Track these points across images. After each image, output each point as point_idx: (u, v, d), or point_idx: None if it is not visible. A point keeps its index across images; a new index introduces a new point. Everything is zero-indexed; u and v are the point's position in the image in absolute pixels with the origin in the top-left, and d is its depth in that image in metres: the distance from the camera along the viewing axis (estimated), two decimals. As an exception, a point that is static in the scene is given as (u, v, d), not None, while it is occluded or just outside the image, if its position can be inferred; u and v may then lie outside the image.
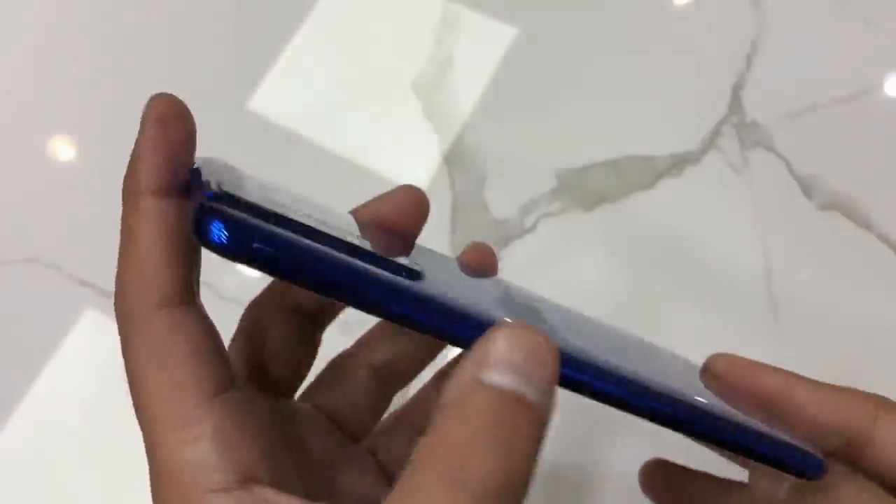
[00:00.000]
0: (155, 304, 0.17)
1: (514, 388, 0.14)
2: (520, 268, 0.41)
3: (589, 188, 0.43)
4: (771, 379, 0.20)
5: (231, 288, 0.40)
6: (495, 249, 0.23)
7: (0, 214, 0.46)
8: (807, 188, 0.41)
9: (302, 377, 0.22)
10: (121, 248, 0.17)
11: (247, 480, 0.16)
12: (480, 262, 0.22)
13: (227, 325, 0.20)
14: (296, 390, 0.22)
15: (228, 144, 0.47)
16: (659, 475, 0.27)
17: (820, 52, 0.45)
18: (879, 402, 0.23)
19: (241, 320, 0.22)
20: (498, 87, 0.46)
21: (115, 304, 0.17)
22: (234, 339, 0.21)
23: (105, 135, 0.47)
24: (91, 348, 0.42)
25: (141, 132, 0.17)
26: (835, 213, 0.41)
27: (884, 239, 0.40)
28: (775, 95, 0.44)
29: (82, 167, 0.47)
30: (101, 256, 0.44)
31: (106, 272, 0.39)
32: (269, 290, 0.22)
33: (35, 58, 0.50)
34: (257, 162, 0.44)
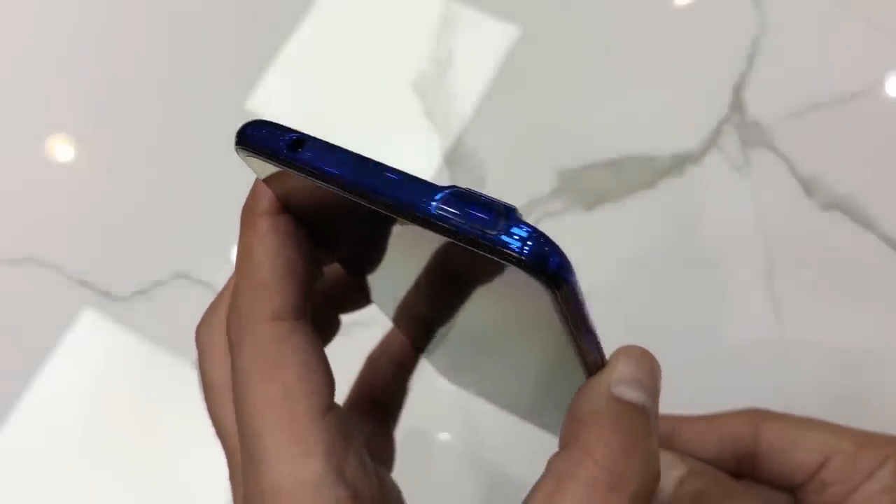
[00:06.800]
0: (268, 316, 0.17)
1: (643, 401, 0.16)
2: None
3: (589, 188, 0.43)
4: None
5: (231, 288, 0.40)
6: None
7: (-1, 214, 0.46)
8: (808, 188, 0.41)
9: (397, 413, 0.25)
10: (238, 269, 0.17)
11: (355, 500, 0.16)
12: None
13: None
14: (392, 423, 0.25)
15: (227, 144, 0.47)
16: None
17: (821, 52, 0.44)
18: (756, 414, 0.25)
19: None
20: (498, 87, 0.46)
21: (227, 319, 0.17)
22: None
23: (105, 135, 0.47)
24: (89, 348, 0.42)
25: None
26: (836, 213, 0.41)
27: (885, 239, 0.40)
28: (777, 95, 0.43)
29: (82, 167, 0.47)
30: (100, 256, 0.44)
31: (104, 272, 0.39)
32: (382, 344, 0.25)
33: (35, 57, 0.50)
34: (257, 162, 0.44)
